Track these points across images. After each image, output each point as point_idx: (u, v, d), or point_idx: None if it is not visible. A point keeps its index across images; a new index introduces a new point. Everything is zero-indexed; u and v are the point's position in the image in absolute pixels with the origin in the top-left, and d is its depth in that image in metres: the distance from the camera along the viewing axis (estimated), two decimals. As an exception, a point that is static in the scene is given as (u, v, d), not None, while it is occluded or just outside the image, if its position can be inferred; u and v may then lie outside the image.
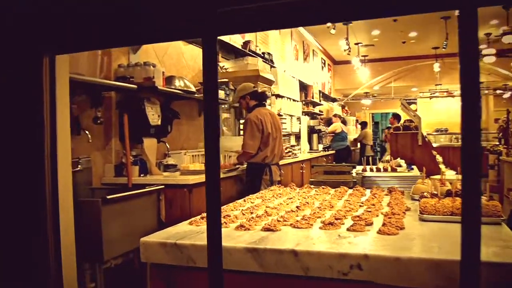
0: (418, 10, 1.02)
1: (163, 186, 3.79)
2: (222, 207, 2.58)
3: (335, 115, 12.04)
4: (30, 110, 0.71)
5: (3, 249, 0.76)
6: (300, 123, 9.05)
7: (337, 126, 11.31)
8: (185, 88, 4.68)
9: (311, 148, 9.85)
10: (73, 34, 0.68)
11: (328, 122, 11.80)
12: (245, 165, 4.99)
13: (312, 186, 3.48)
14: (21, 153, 0.72)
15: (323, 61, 14.35)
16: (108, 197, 3.08)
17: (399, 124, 7.24)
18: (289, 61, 10.08)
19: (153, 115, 4.37)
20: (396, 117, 11.50)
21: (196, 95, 4.84)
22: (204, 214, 2.36)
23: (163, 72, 4.46)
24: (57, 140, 0.72)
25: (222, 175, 4.46)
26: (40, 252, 0.66)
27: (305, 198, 2.79)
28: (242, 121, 6.28)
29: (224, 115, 6.21)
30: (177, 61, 5.40)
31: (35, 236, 0.69)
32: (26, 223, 0.75)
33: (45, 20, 0.66)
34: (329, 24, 9.61)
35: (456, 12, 1.00)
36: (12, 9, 0.71)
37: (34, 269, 0.67)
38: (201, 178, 4.02)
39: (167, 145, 4.75)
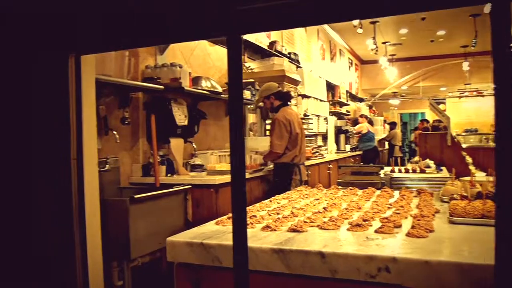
0: (450, 4, 0.99)
1: (190, 186, 3.80)
2: (248, 208, 2.58)
3: (361, 116, 11.92)
4: (56, 109, 0.71)
5: (29, 248, 0.76)
6: (327, 124, 8.99)
7: (363, 126, 11.19)
8: (211, 89, 4.70)
9: (338, 149, 9.78)
10: (98, 34, 0.68)
11: (355, 123, 11.69)
12: (271, 165, 4.97)
13: (339, 187, 3.44)
14: (47, 153, 0.73)
15: (350, 61, 14.23)
16: (136, 196, 3.11)
17: (427, 125, 7.14)
18: (316, 61, 10.02)
19: (180, 116, 4.41)
20: (425, 121, 11.37)
21: (222, 95, 4.85)
22: (231, 214, 2.37)
23: (189, 73, 4.48)
24: (83, 140, 0.72)
25: (248, 175, 4.46)
26: (66, 251, 0.66)
27: (332, 199, 2.76)
28: (268, 121, 6.27)
29: (250, 116, 6.21)
30: (203, 61, 5.42)
31: (61, 235, 0.69)
32: (53, 222, 0.75)
33: (70, 20, 0.66)
34: (356, 23, 9.52)
35: (486, 9, 0.97)
36: (38, 10, 0.71)
37: (60, 267, 0.68)
38: (228, 178, 4.02)
39: (193, 145, 4.78)
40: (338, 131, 10.04)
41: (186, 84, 4.32)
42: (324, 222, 2.08)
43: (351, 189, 3.25)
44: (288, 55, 7.36)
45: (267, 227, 2.02)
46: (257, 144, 5.50)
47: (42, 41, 0.69)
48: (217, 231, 2.04)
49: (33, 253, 0.72)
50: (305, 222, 2.09)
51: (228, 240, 1.86)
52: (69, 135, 0.68)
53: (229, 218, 2.29)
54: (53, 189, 0.69)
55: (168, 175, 4.24)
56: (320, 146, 7.95)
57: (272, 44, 6.91)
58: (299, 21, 1.02)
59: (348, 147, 10.21)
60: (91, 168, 0.77)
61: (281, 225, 2.06)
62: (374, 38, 10.88)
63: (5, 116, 0.72)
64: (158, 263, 3.54)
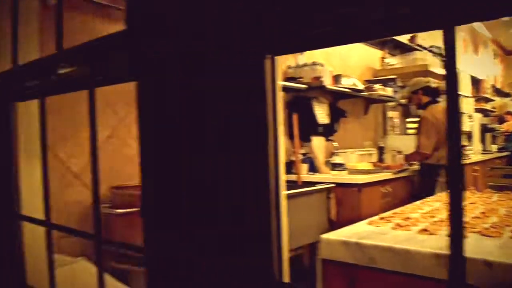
0: None
1: (333, 185, 3.82)
2: (399, 209, 2.55)
3: (507, 113, 10.93)
4: (255, 111, 0.78)
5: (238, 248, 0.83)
6: (472, 121, 8.42)
7: (510, 124, 10.26)
8: (353, 87, 4.70)
9: (484, 149, 9.11)
10: (294, 33, 0.73)
11: (501, 120, 10.76)
12: (416, 166, 4.80)
13: (492, 190, 3.24)
14: (246, 153, 0.81)
15: (494, 52, 13.13)
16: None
17: None
18: (458, 54, 9.43)
19: (321, 114, 4.47)
20: None
21: (363, 93, 4.82)
22: (383, 215, 2.36)
23: (330, 71, 4.53)
24: (279, 142, 0.78)
25: (391, 176, 4.37)
26: (265, 247, 0.73)
27: (489, 203, 2.62)
28: (408, 119, 6.06)
29: (390, 113, 6.07)
30: (342, 60, 5.42)
31: (260, 233, 0.76)
32: (251, 221, 0.83)
33: (268, 19, 0.71)
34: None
35: None
36: (236, 10, 0.78)
37: (259, 256, 0.75)
38: (371, 177, 3.99)
39: (334, 143, 4.81)
40: (484, 129, 9.34)
41: (328, 82, 4.38)
42: (486, 229, 1.98)
43: (507, 193, 3.04)
44: (430, 49, 7.04)
45: (424, 230, 1.98)
46: (399, 143, 5.35)
47: (239, 42, 0.75)
48: (371, 232, 2.06)
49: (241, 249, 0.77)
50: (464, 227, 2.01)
51: (384, 241, 1.87)
52: (267, 137, 0.74)
53: (381, 218, 2.29)
54: (252, 188, 0.75)
55: (310, 173, 4.32)
56: (464, 146, 7.49)
57: (413, 37, 6.65)
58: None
59: (494, 147, 9.46)
60: (281, 165, 0.83)
61: (439, 228, 2.01)
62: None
63: (211, 116, 0.80)
64: (299, 259, 3.64)
